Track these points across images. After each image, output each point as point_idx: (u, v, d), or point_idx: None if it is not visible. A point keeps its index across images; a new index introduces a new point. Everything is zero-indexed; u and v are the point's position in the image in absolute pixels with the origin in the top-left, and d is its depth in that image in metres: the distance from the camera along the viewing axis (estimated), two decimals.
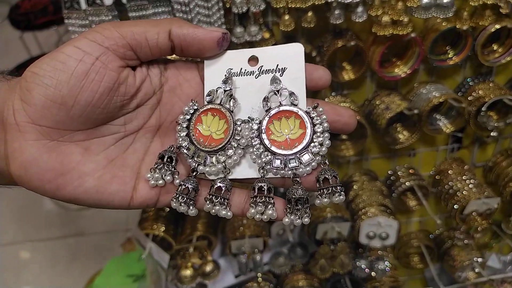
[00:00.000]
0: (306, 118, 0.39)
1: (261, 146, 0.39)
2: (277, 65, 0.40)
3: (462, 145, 1.11)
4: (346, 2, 0.76)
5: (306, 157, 0.38)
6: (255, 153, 0.39)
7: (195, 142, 0.39)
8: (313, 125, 0.39)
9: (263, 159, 0.38)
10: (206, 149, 0.39)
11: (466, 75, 1.00)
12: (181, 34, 0.36)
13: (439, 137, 1.09)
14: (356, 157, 1.10)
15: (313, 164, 0.38)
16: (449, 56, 0.93)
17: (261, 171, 0.38)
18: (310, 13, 0.78)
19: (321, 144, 0.39)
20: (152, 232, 0.96)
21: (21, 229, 2.05)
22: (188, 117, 0.39)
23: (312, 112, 0.39)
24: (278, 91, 0.39)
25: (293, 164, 0.38)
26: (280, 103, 0.39)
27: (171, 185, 0.38)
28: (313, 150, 0.38)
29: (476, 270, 1.15)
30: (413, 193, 1.10)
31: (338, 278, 1.16)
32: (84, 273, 1.75)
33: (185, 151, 0.39)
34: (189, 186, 0.38)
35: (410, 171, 1.08)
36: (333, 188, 0.37)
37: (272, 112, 0.39)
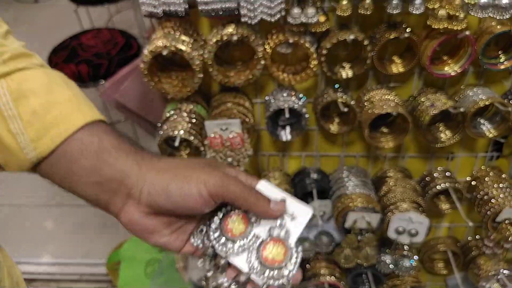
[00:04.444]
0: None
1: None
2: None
3: (502, 154, 1.10)
4: None
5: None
6: None
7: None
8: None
9: None
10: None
11: None
12: None
13: (479, 143, 1.09)
14: (393, 153, 1.11)
15: None
16: (501, 60, 0.93)
17: None
18: (368, 0, 0.80)
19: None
20: None
21: (54, 193, 2.13)
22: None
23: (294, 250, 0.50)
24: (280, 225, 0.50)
25: None
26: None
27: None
28: None
29: (502, 283, 1.14)
30: (447, 197, 1.10)
31: (360, 272, 1.17)
32: (112, 241, 1.81)
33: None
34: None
35: (446, 174, 1.08)
36: None
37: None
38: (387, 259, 1.08)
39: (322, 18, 0.84)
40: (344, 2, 0.81)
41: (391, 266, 1.08)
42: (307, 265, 1.17)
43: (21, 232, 2.00)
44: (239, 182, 0.47)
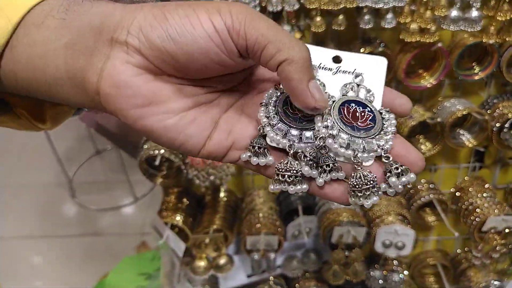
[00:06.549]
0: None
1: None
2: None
3: (484, 164, 1.11)
4: (376, 7, 0.80)
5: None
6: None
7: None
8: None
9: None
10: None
11: (491, 93, 1.02)
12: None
13: (461, 154, 1.10)
14: None
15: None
16: (475, 71, 0.95)
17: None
18: (341, 16, 0.82)
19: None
20: (170, 221, 0.99)
21: (39, 224, 2.09)
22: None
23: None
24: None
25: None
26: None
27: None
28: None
29: None
30: (432, 209, 1.10)
31: None
32: (97, 272, 1.77)
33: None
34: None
35: (430, 186, 1.09)
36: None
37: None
38: (376, 274, 1.06)
39: (297, 35, 0.86)
40: (318, 19, 0.83)
41: (380, 281, 1.06)
42: (296, 284, 1.15)
43: (5, 265, 1.95)
44: (267, 19, 0.34)
